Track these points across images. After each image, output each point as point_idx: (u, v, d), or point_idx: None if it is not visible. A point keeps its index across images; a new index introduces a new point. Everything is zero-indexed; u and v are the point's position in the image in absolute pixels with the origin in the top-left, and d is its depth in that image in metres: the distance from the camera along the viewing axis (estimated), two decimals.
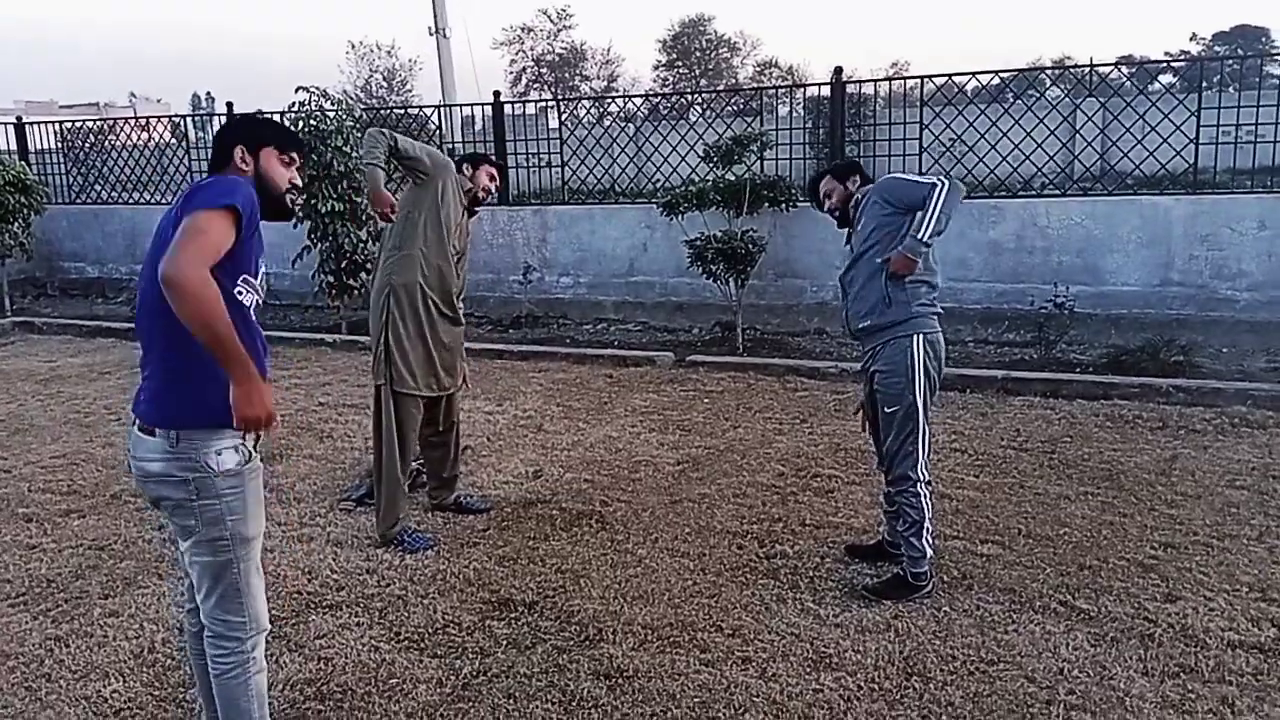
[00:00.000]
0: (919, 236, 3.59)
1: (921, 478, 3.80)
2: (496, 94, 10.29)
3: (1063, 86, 10.78)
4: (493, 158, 4.98)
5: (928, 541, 3.79)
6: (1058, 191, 8.22)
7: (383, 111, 12.37)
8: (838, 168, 4.11)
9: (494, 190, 4.89)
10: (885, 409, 3.86)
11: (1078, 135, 8.85)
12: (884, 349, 3.78)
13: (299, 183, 2.72)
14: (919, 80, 8.61)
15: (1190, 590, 3.79)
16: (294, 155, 2.71)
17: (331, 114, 8.94)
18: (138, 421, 2.55)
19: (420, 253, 4.41)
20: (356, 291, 9.04)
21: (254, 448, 2.57)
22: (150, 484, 2.53)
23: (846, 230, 4.01)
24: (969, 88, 8.58)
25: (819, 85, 10.12)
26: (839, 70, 8.79)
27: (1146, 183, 8.06)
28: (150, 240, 2.53)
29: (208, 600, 2.59)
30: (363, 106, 10.34)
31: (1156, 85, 9.38)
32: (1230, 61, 19.91)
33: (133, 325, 9.50)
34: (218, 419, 2.44)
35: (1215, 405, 6.05)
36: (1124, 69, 9.39)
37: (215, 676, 2.65)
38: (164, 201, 11.65)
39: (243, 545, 2.55)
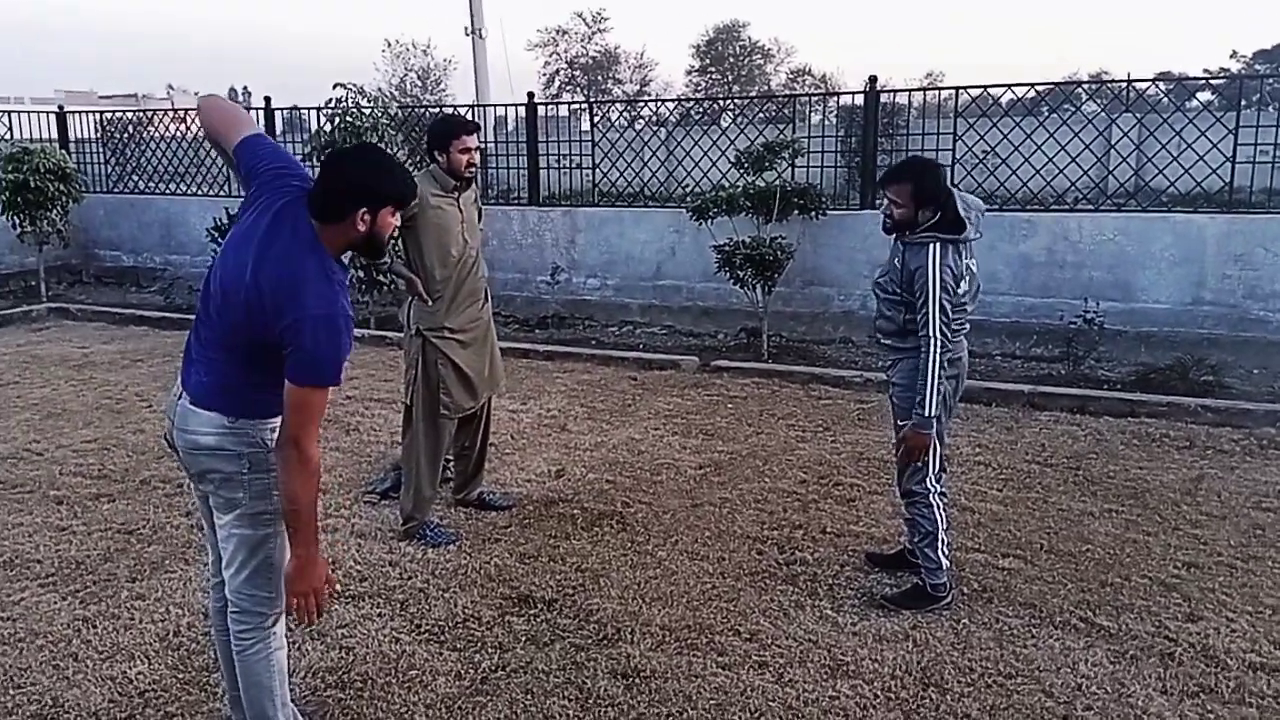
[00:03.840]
0: (923, 414, 3.63)
1: (932, 489, 3.80)
2: (530, 95, 10.36)
3: (1099, 101, 10.70)
4: (468, 123, 4.46)
5: (943, 553, 3.79)
6: (1090, 206, 8.17)
7: (417, 110, 12.46)
8: (924, 189, 3.63)
9: (475, 160, 4.44)
10: (899, 421, 3.87)
11: (1113, 150, 8.79)
12: (903, 361, 3.78)
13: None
14: (953, 91, 8.58)
15: (1212, 611, 3.77)
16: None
17: (368, 111, 9.03)
18: (186, 396, 2.59)
19: (437, 291, 4.42)
20: (386, 287, 9.11)
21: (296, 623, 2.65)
22: (201, 456, 2.57)
23: (893, 235, 3.91)
24: (1004, 100, 8.53)
25: (853, 94, 10.10)
26: (873, 79, 8.77)
27: (1181, 200, 7.99)
28: (230, 236, 2.58)
29: (238, 575, 2.64)
30: (398, 104, 10.41)
31: (1194, 102, 9.30)
32: (1270, 80, 19.69)
33: (165, 313, 9.76)
34: (274, 411, 2.52)
35: (1244, 426, 5.99)
36: (1161, 85, 9.31)
37: (238, 653, 2.70)
38: (199, 193, 11.80)
39: (281, 520, 2.59)
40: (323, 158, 2.79)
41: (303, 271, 2.40)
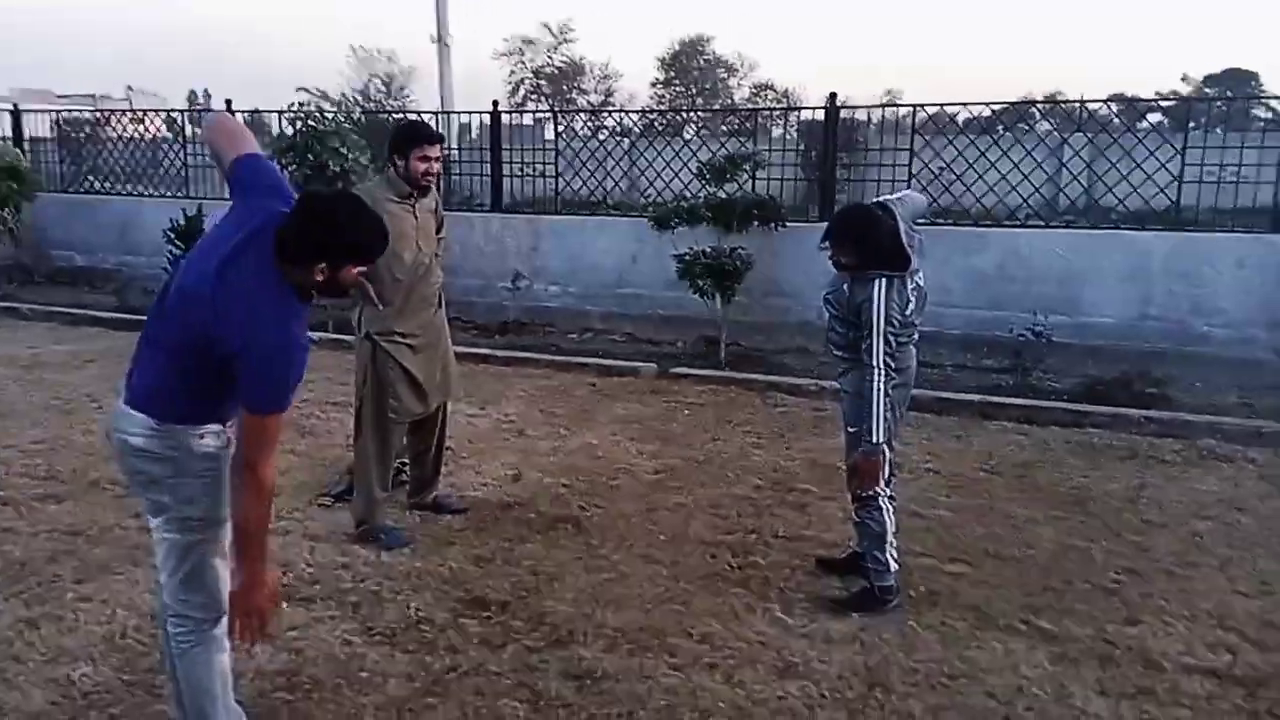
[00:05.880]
0: (872, 441, 3.69)
1: (882, 493, 3.87)
2: (495, 104, 10.37)
3: (1052, 121, 10.94)
4: (429, 132, 4.48)
5: (891, 555, 3.86)
6: (1041, 223, 8.34)
7: (380, 115, 12.45)
8: (864, 248, 3.71)
9: (434, 170, 4.40)
10: (849, 428, 3.94)
11: (1064, 169, 8.99)
12: (853, 371, 3.84)
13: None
14: (911, 109, 8.73)
15: (1151, 615, 3.87)
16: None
17: (330, 115, 9.00)
18: (126, 396, 2.60)
19: (389, 296, 4.38)
20: (348, 291, 9.05)
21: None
22: (131, 457, 2.58)
23: None
24: (960, 118, 8.71)
25: (813, 109, 10.24)
26: (833, 96, 8.91)
27: (1130, 218, 8.19)
28: (202, 240, 2.62)
29: (172, 579, 2.64)
30: (360, 109, 10.40)
31: (1145, 123, 9.55)
32: (1219, 103, 20.20)
33: (118, 314, 9.62)
34: (206, 419, 2.56)
35: (1186, 437, 6.14)
36: (1112, 106, 9.54)
37: (178, 655, 2.70)
38: (156, 195, 11.66)
39: (212, 527, 2.60)
40: (300, 191, 2.72)
41: (259, 298, 2.42)
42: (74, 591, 3.93)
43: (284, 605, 3.57)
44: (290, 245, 2.44)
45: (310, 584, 4.05)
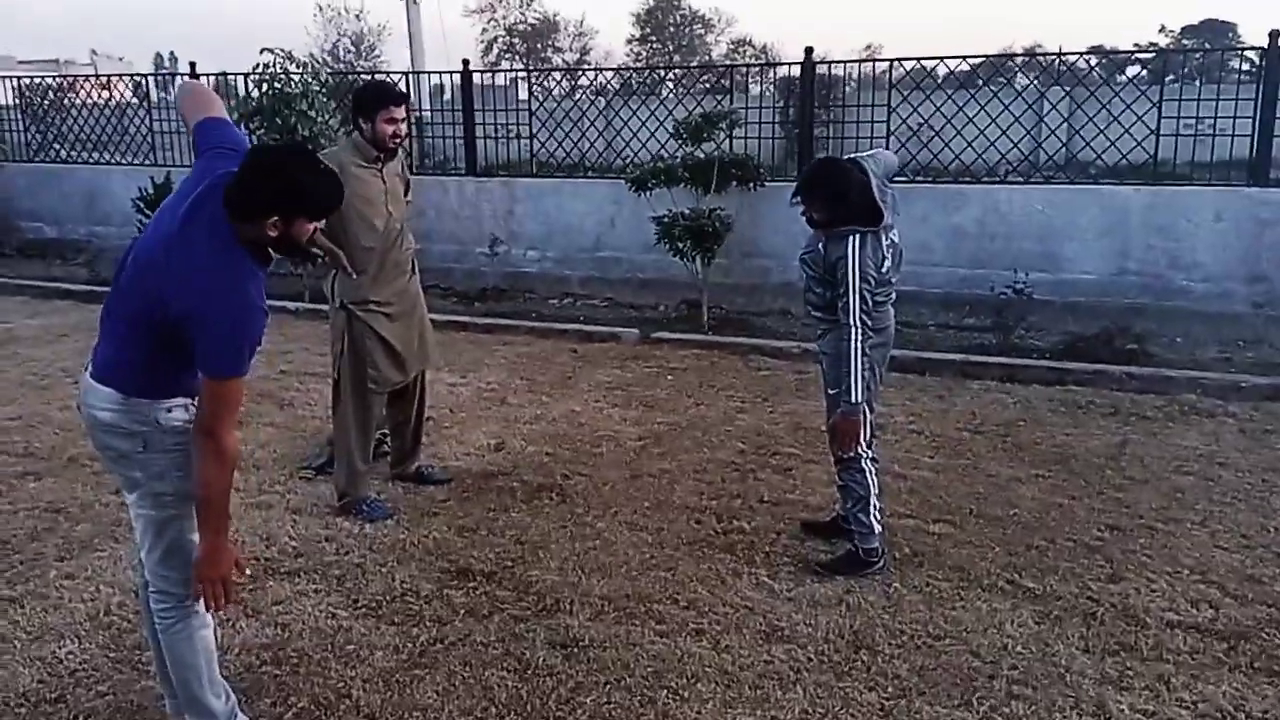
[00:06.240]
0: (850, 400, 3.68)
1: (864, 454, 3.87)
2: (465, 63, 10.21)
3: (1027, 75, 10.89)
4: (396, 93, 4.37)
5: (875, 518, 3.87)
6: (1020, 179, 8.32)
7: (349, 76, 12.23)
8: (836, 200, 3.68)
9: (401, 132, 4.30)
10: (829, 390, 3.94)
11: (1043, 124, 8.96)
12: (832, 332, 3.82)
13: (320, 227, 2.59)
14: (888, 64, 8.66)
15: (1133, 571, 3.90)
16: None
17: (297, 77, 8.82)
18: (91, 369, 2.57)
19: (361, 264, 4.34)
20: (320, 260, 8.94)
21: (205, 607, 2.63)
22: (99, 432, 2.56)
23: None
24: (939, 73, 8.64)
25: (789, 65, 10.15)
26: (809, 50, 8.80)
27: (1108, 173, 8.18)
28: (160, 207, 2.56)
29: (151, 555, 2.62)
30: (329, 70, 10.21)
31: (1123, 76, 9.51)
32: (1197, 55, 20.17)
33: (91, 287, 9.46)
34: (172, 392, 2.52)
35: (1166, 393, 6.18)
36: (1090, 59, 9.49)
37: (161, 631, 2.68)
38: (124, 162, 11.46)
39: (186, 502, 2.57)
40: (251, 142, 2.66)
41: (213, 261, 2.36)
42: (56, 569, 3.90)
43: (248, 574, 3.55)
44: (239, 202, 2.37)
45: (294, 557, 4.03)
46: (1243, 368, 6.67)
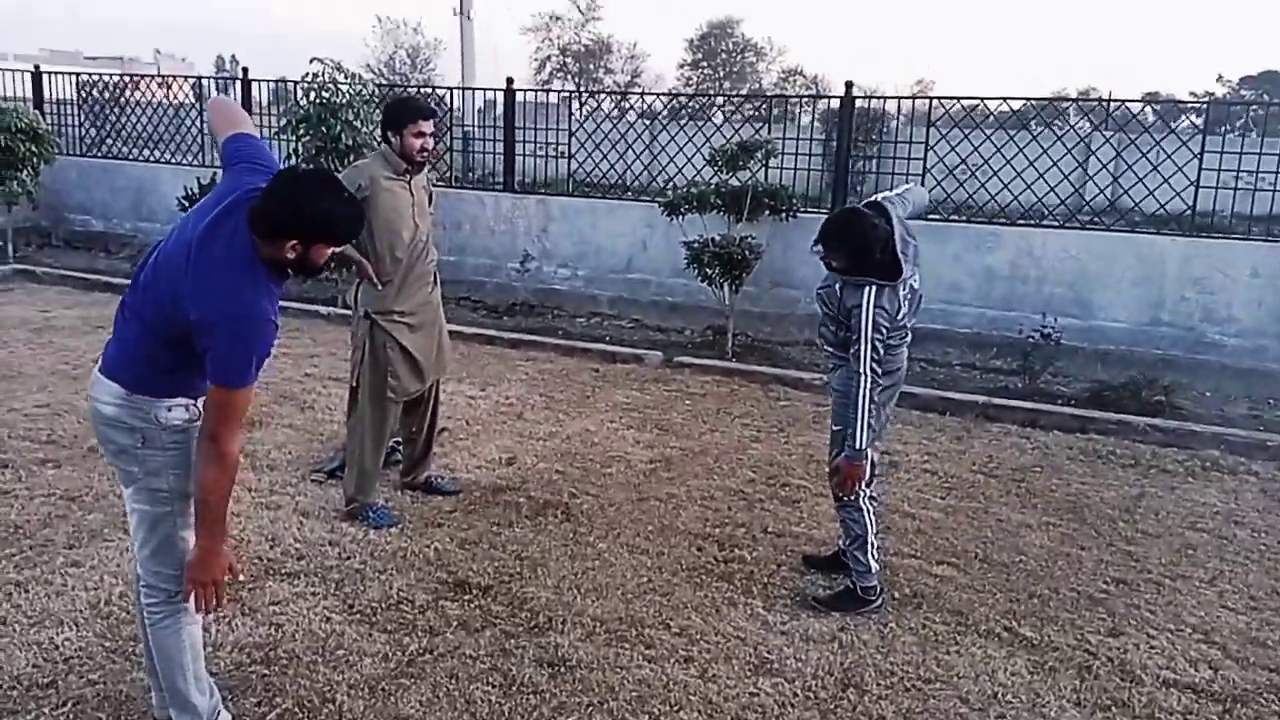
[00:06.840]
0: (855, 447, 3.66)
1: (862, 493, 3.85)
2: (509, 80, 10.33)
3: (1068, 119, 10.80)
4: (422, 107, 4.46)
5: (873, 556, 3.84)
6: (1055, 223, 8.26)
7: (398, 89, 12.42)
8: (855, 254, 3.63)
9: (429, 146, 4.40)
10: (834, 426, 3.92)
11: (1084, 169, 8.88)
12: (842, 368, 3.81)
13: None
14: (928, 101, 8.64)
15: (1135, 626, 3.84)
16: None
17: (344, 87, 8.97)
18: (101, 363, 2.65)
19: (388, 275, 4.42)
20: (351, 266, 9.06)
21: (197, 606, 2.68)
22: (101, 425, 2.64)
23: None
24: (979, 112, 8.60)
25: (829, 98, 10.16)
26: (849, 85, 8.82)
27: (1148, 221, 8.08)
28: (188, 213, 2.65)
29: (143, 550, 2.68)
30: (376, 83, 10.36)
31: (1177, 123, 9.40)
32: (1255, 107, 19.89)
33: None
34: (174, 392, 2.59)
35: (1189, 447, 6.08)
36: (1133, 107, 9.40)
37: (149, 625, 2.73)
38: (173, 161, 11.71)
39: (181, 500, 2.63)
40: (282, 167, 2.72)
41: (231, 271, 2.44)
42: (64, 556, 3.98)
43: (240, 576, 3.61)
44: (263, 221, 2.45)
45: (296, 559, 4.08)
46: (1271, 426, 6.54)
